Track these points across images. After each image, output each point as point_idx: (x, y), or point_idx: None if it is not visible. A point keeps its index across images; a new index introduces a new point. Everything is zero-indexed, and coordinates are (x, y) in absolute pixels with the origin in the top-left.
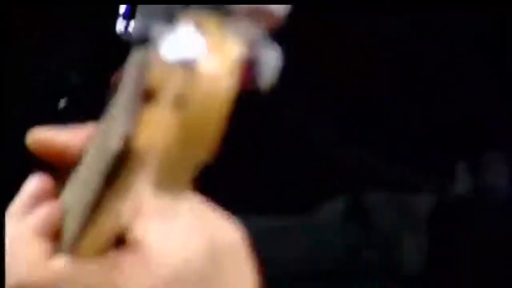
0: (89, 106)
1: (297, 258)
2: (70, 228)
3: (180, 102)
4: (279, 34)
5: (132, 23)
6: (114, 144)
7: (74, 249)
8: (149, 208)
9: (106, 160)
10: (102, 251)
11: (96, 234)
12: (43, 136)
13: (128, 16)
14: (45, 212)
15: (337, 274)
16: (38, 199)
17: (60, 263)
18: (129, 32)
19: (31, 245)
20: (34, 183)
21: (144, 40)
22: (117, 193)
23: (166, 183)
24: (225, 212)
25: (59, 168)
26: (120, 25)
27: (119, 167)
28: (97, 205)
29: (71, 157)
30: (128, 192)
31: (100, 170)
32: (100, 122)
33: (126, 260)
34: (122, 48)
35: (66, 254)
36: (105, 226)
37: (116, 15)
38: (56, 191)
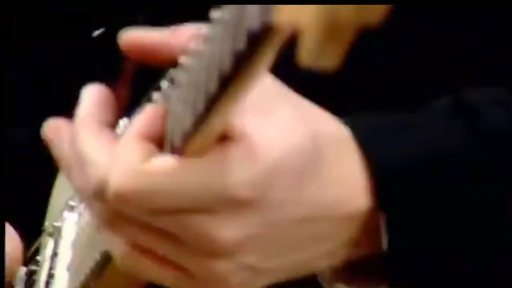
0: None
1: (406, 155)
2: (177, 131)
3: None
4: None
5: None
6: (252, 21)
7: (179, 151)
8: (251, 102)
9: (235, 47)
10: (206, 151)
11: (205, 136)
12: (134, 36)
13: None
14: (145, 115)
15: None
16: (106, 107)
17: (163, 162)
18: None
19: (130, 147)
20: (93, 94)
21: None
22: (236, 90)
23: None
24: (330, 111)
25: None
26: None
27: (253, 48)
28: (209, 107)
29: (166, 56)
30: (247, 87)
31: (219, 68)
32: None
33: (230, 153)
34: None
35: (169, 156)
36: (216, 127)
37: None
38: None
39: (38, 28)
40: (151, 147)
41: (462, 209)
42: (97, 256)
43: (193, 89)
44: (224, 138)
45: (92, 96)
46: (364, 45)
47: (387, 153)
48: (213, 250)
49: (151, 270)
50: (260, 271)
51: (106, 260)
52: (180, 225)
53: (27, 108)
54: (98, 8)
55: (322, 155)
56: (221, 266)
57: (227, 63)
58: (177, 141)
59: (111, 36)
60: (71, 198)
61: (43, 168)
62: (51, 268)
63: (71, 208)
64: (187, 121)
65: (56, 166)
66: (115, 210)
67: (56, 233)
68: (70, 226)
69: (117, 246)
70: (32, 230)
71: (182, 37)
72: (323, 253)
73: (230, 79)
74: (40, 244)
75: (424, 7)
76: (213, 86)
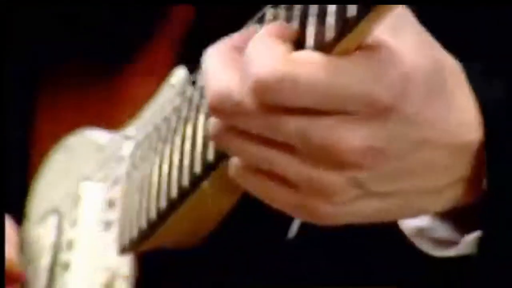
0: None
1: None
2: (312, 34)
3: None
4: None
5: None
6: None
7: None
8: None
9: None
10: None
11: (354, 37)
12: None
13: None
14: (276, 23)
15: None
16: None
17: (310, 55)
18: None
19: (271, 47)
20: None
21: None
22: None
23: None
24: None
25: None
26: None
27: None
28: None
29: None
30: None
31: None
32: None
33: (373, 56)
34: None
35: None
36: (366, 30)
37: None
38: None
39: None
40: (288, 45)
41: None
42: (162, 204)
43: None
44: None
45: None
46: None
47: (494, 95)
48: (332, 158)
49: (261, 187)
50: (369, 193)
51: (173, 207)
52: (307, 128)
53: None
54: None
55: (445, 80)
56: (334, 179)
57: None
58: (321, 41)
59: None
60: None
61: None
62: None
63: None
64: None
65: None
66: (231, 125)
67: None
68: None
69: (232, 162)
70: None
71: None
72: (432, 188)
73: None
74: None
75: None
76: None
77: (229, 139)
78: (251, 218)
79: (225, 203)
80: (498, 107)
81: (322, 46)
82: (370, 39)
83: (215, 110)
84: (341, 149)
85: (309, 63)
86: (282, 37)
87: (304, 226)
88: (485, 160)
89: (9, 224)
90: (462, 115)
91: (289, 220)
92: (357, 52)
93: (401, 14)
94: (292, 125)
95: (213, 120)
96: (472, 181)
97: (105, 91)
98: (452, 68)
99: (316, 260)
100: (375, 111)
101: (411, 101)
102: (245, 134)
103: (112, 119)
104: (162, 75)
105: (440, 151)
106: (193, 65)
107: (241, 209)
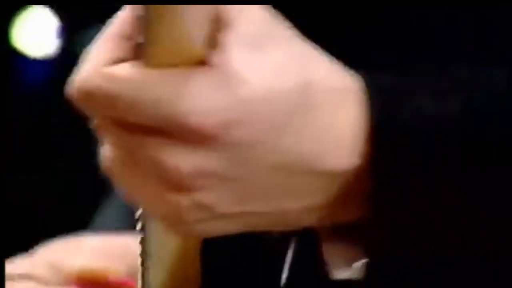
0: None
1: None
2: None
3: None
4: None
5: None
6: None
7: (145, 59)
8: (242, 35)
9: None
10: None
11: (166, 42)
12: None
13: None
14: (120, 17)
15: None
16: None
17: (125, 68)
18: None
19: (98, 52)
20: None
21: None
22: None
23: None
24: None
25: None
26: None
27: None
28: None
29: None
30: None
31: None
32: None
33: (199, 74)
34: None
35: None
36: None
37: None
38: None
39: None
40: (126, 47)
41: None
42: None
43: None
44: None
45: None
46: None
47: (393, 117)
48: (168, 180)
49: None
50: (220, 215)
51: None
52: (139, 146)
53: None
54: None
55: (311, 105)
56: (176, 199)
57: None
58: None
59: None
60: None
61: None
62: None
63: None
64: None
65: None
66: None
67: None
68: None
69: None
70: None
71: None
72: (300, 208)
73: None
74: None
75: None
76: None
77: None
78: (241, 268)
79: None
80: (403, 129)
81: (140, 55)
82: (219, 55)
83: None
84: (170, 171)
85: (122, 77)
86: (125, 37)
87: (294, 273)
88: (365, 187)
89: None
90: (327, 141)
91: (279, 268)
92: (183, 67)
93: (271, 27)
94: (126, 139)
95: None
96: (355, 203)
97: None
98: (331, 88)
99: None
100: (194, 136)
101: (252, 129)
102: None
103: None
104: None
105: (297, 176)
106: None
107: (231, 259)
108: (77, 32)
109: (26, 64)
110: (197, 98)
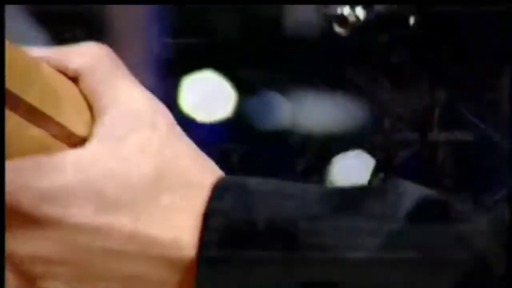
0: None
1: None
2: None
3: None
4: None
5: None
6: None
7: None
8: (100, 130)
9: None
10: None
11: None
12: None
13: None
14: None
15: None
16: None
17: None
18: None
19: None
20: None
21: None
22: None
23: None
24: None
25: None
26: None
27: None
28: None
29: None
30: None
31: None
32: None
33: (43, 161)
34: None
35: None
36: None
37: None
38: None
39: None
40: None
41: None
42: None
43: None
44: None
45: None
46: None
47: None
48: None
49: None
50: None
51: None
52: None
53: None
54: None
55: (151, 192)
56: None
57: None
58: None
59: None
60: None
61: None
62: None
63: None
64: None
65: None
66: None
67: None
68: None
69: None
70: None
71: None
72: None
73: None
74: None
75: None
76: None
77: None
78: None
79: None
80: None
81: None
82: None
83: None
84: (11, 257)
85: None
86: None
87: None
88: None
89: None
90: (172, 229)
91: None
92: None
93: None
94: None
95: None
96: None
97: None
98: (185, 184)
99: None
100: (17, 218)
101: (78, 210)
102: None
103: None
104: None
105: (137, 262)
106: None
107: None
108: None
109: None
110: (18, 184)
